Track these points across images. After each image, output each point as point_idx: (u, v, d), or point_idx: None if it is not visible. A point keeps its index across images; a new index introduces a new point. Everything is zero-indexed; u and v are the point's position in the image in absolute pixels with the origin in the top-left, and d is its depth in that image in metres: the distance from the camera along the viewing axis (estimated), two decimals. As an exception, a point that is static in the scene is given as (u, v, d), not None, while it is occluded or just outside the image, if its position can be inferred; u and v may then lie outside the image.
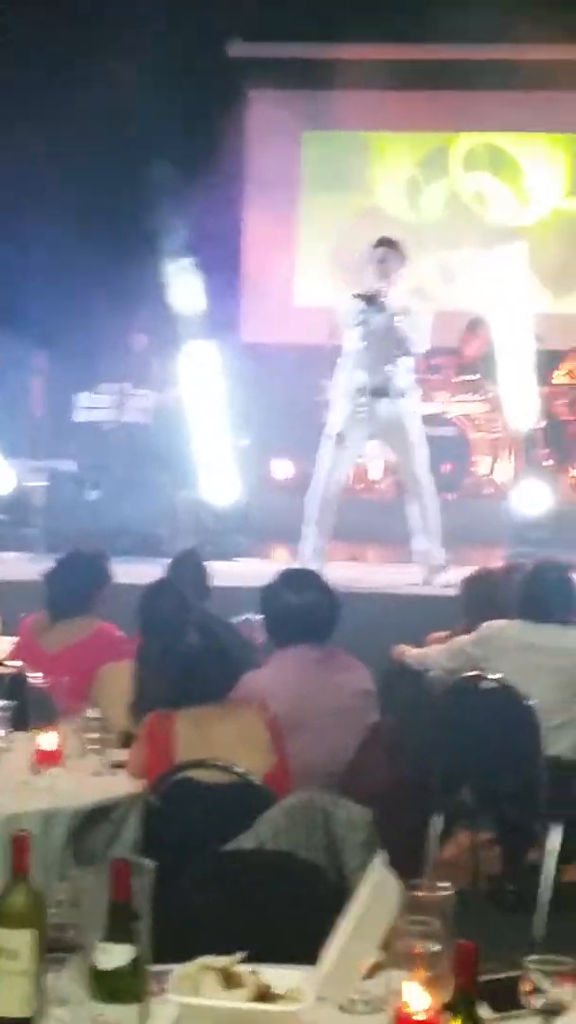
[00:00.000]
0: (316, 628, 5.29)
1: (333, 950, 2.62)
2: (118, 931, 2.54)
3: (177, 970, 2.68)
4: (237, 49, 14.55)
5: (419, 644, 6.79)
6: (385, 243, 9.23)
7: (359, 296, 9.12)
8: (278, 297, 14.62)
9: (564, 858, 6.11)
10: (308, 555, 9.29)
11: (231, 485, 11.09)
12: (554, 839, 6.00)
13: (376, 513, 11.43)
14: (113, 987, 2.53)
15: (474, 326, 12.76)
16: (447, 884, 2.75)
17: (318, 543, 9.38)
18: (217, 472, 11.14)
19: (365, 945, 2.60)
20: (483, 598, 6.69)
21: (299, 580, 5.56)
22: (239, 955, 2.72)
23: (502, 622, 6.15)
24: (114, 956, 2.53)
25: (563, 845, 5.98)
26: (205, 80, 13.39)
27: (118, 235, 13.02)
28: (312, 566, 8.77)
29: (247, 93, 14.81)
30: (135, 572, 8.44)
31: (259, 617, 6.93)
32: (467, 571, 9.52)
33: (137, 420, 11.45)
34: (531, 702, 5.86)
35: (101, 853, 4.38)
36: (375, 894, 2.60)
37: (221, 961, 2.66)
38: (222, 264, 12.82)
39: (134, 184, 12.78)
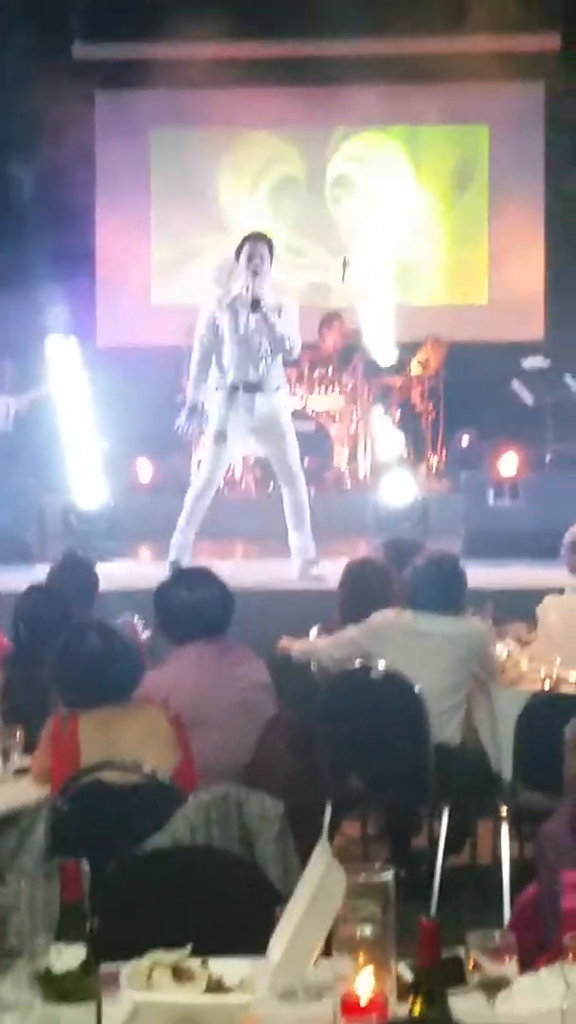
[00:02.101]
0: (212, 624, 5.32)
1: (283, 939, 2.66)
2: (69, 932, 2.56)
3: (128, 967, 2.70)
4: (81, 51, 14.50)
5: (300, 637, 6.85)
6: (254, 238, 9.21)
7: (230, 293, 9.15)
8: (134, 299, 14.59)
9: (451, 844, 6.22)
10: (178, 554, 9.30)
11: (97, 488, 11.07)
12: (443, 824, 6.10)
13: (240, 510, 11.49)
14: (66, 988, 2.54)
15: (330, 320, 12.87)
16: (387, 869, 2.80)
17: (185, 540, 9.40)
18: (83, 476, 11.12)
19: (314, 933, 2.64)
20: (363, 588, 6.76)
21: (192, 577, 5.58)
22: (187, 949, 2.74)
23: (390, 611, 6.23)
24: (67, 957, 2.54)
25: (450, 830, 6.08)
26: (51, 83, 13.29)
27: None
28: (181, 563, 8.86)
29: (94, 94, 14.75)
30: (7, 580, 8.43)
31: (137, 618, 6.99)
32: (335, 564, 9.66)
33: (-2, 427, 11.38)
34: (419, 689, 5.95)
35: (8, 861, 4.38)
36: (322, 882, 2.64)
37: (171, 956, 2.69)
38: (76, 268, 12.79)
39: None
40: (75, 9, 13.90)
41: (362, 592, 6.71)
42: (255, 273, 8.99)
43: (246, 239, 9.23)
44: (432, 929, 2.34)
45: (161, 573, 8.87)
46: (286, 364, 9.66)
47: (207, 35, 13.40)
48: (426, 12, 12.89)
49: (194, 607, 5.33)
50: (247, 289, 9.02)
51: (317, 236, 14.86)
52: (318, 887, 2.66)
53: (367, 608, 6.42)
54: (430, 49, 13.82)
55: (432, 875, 6.04)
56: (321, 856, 2.73)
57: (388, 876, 2.78)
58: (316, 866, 2.71)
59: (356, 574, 6.98)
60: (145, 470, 12.81)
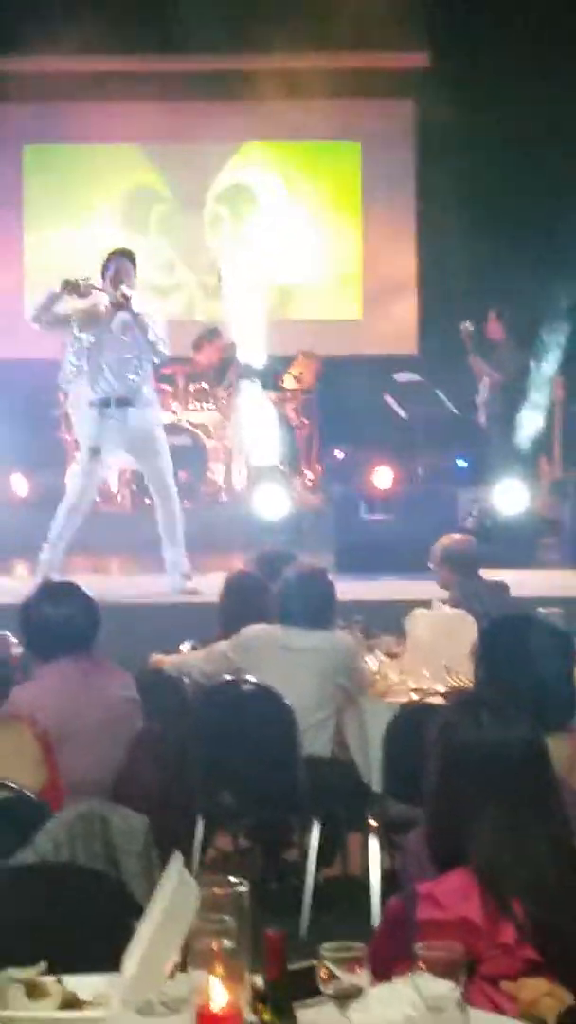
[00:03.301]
0: (78, 639, 5.31)
1: (136, 954, 2.67)
2: None
3: (-18, 985, 2.70)
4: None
5: (172, 652, 6.87)
6: (120, 253, 9.31)
7: (99, 305, 9.18)
8: (6, 312, 14.53)
9: (322, 856, 6.26)
10: (47, 568, 9.27)
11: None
12: (314, 837, 6.14)
13: (115, 525, 11.47)
14: None
15: (209, 336, 12.90)
16: (241, 880, 2.83)
17: (56, 556, 9.38)
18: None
19: (168, 946, 2.66)
20: (242, 601, 6.78)
21: (58, 592, 5.56)
22: (41, 966, 2.75)
23: (260, 626, 6.26)
24: None
25: (321, 843, 6.12)
26: None
27: None
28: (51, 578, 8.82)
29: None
30: None
31: (7, 634, 6.96)
32: (211, 578, 9.69)
33: None
34: (289, 703, 5.99)
35: None
36: (174, 896, 2.66)
37: (24, 972, 2.69)
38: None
39: None
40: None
41: (241, 605, 6.73)
42: (120, 287, 9.05)
43: (111, 255, 9.32)
44: (277, 940, 2.38)
45: (32, 589, 8.87)
46: (158, 379, 9.70)
47: (80, 49, 13.40)
48: (296, 28, 12.97)
49: (59, 622, 5.31)
50: (113, 301, 9.06)
51: (189, 251, 14.89)
52: (171, 900, 2.68)
53: (247, 621, 6.44)
54: (300, 65, 13.91)
55: (303, 888, 6.08)
56: (173, 869, 2.75)
57: (243, 888, 2.81)
58: (169, 879, 2.73)
59: (235, 587, 7.01)
60: (20, 485, 12.75)
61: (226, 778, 6.18)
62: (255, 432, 12.44)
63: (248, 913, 2.80)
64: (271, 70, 13.94)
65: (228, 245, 14.58)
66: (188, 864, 5.65)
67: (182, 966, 2.81)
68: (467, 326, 12.56)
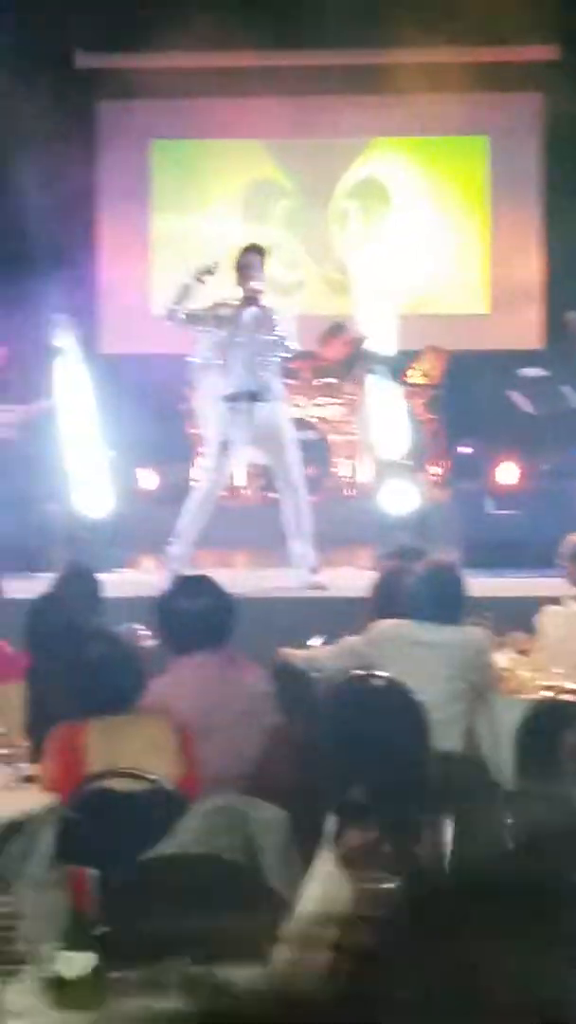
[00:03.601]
0: (213, 633, 5.36)
1: (288, 947, 2.70)
2: (79, 940, 2.61)
3: (138, 974, 2.75)
4: (83, 60, 14.56)
5: (301, 646, 6.89)
6: (250, 248, 9.37)
7: (230, 301, 9.25)
8: (135, 308, 14.63)
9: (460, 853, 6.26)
10: (176, 563, 9.34)
11: (102, 496, 11.12)
12: (446, 833, 6.14)
13: (242, 519, 11.51)
14: (76, 995, 2.60)
15: (336, 330, 12.91)
16: (392, 879, 2.86)
17: (185, 550, 9.45)
18: (87, 484, 11.17)
19: (318, 940, 2.68)
20: (390, 597, 6.76)
21: (193, 586, 5.62)
22: (194, 956, 2.79)
23: (391, 621, 6.27)
24: (76, 964, 2.60)
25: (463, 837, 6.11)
26: (52, 93, 13.37)
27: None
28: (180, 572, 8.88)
29: (95, 104, 14.83)
30: (13, 588, 8.46)
31: (139, 627, 7.03)
32: (336, 572, 9.71)
33: (1, 435, 11.40)
34: (420, 698, 5.99)
35: (15, 868, 4.42)
36: (325, 889, 2.69)
37: (179, 963, 2.73)
38: (78, 276, 12.83)
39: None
40: (77, 19, 13.92)
41: (390, 599, 6.71)
42: (251, 282, 9.10)
43: (242, 251, 9.37)
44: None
45: (161, 582, 8.95)
46: (286, 373, 9.74)
47: (209, 45, 13.47)
48: (425, 23, 12.93)
49: (195, 616, 5.37)
50: (243, 296, 9.12)
51: (314, 246, 14.91)
52: (322, 895, 2.71)
53: (396, 615, 6.42)
54: (428, 59, 13.86)
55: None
56: (325, 865, 2.78)
57: (392, 884, 2.84)
58: (320, 874, 2.76)
59: (394, 580, 6.96)
60: (148, 479, 12.85)
61: (357, 774, 6.19)
62: (381, 427, 12.42)
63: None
64: (400, 65, 13.87)
65: (356, 240, 14.57)
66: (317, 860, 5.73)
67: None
68: (573, 317, 12.47)
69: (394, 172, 15.02)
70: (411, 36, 13.12)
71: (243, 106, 14.44)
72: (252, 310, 9.18)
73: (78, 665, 4.85)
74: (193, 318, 9.31)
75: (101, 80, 14.66)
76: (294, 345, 9.35)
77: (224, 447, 9.30)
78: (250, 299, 9.17)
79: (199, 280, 9.21)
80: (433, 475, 12.96)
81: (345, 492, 12.55)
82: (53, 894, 2.78)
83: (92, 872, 2.75)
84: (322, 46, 13.63)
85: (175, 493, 11.76)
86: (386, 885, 2.84)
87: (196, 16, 13.00)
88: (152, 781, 4.48)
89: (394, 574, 6.98)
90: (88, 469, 11.23)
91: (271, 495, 11.60)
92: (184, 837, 4.02)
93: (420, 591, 6.23)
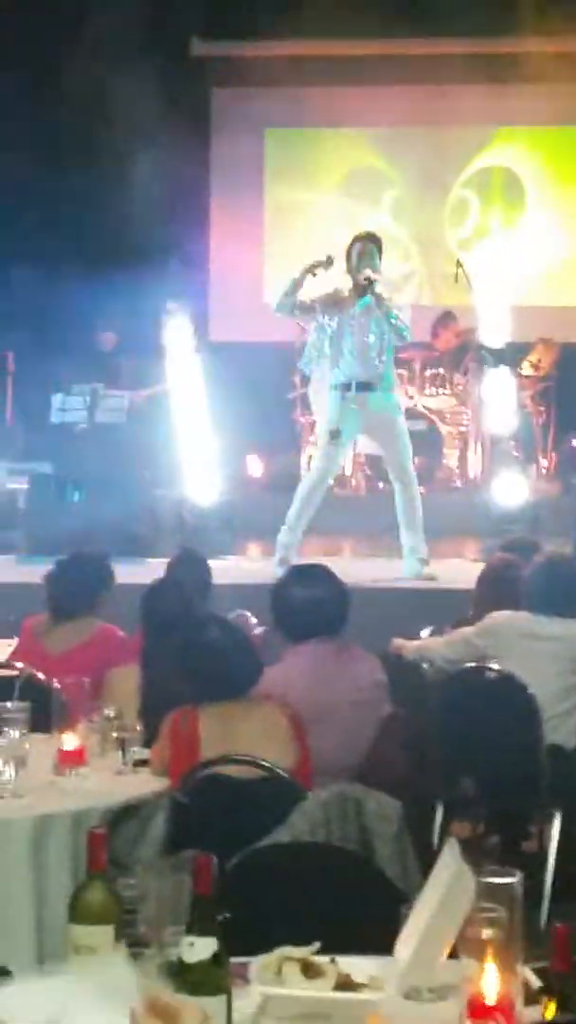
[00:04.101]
0: (328, 622, 5.34)
1: (412, 939, 2.67)
2: (202, 924, 2.58)
3: (258, 961, 2.73)
4: (198, 47, 14.58)
5: (411, 637, 6.85)
6: (364, 238, 9.32)
7: (343, 290, 9.22)
8: (247, 295, 14.66)
9: (564, 848, 6.18)
10: (285, 550, 9.34)
11: (211, 483, 11.14)
12: (555, 828, 6.08)
13: (349, 508, 11.50)
14: (198, 980, 2.57)
15: (445, 319, 12.86)
16: (514, 872, 2.81)
17: (293, 538, 9.44)
18: (196, 471, 11.20)
19: (443, 934, 2.65)
20: (500, 589, 6.72)
21: (309, 575, 5.60)
22: (316, 946, 2.77)
23: (507, 613, 6.22)
24: (199, 949, 2.57)
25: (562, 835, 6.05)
26: (169, 81, 13.39)
27: (85, 234, 13.05)
28: (289, 561, 8.88)
29: (210, 91, 14.85)
30: (121, 572, 8.49)
31: (248, 614, 7.03)
32: (445, 564, 9.65)
33: (111, 420, 11.46)
34: (533, 691, 5.93)
35: (128, 852, 4.42)
36: (451, 883, 2.65)
37: (300, 952, 2.71)
38: (189, 263, 12.88)
39: (100, 185, 12.82)
40: (193, 6, 13.95)
41: (497, 592, 6.67)
42: (365, 271, 9.06)
43: (356, 239, 9.35)
44: (566, 934, 2.36)
45: (269, 569, 8.98)
46: (398, 363, 9.69)
47: (326, 33, 13.44)
48: (547, 11, 12.80)
49: (311, 605, 5.35)
50: (357, 285, 9.08)
51: (427, 236, 14.83)
52: (447, 888, 2.67)
53: (502, 608, 6.38)
54: (552, 48, 13.72)
55: (543, 880, 6.02)
56: (450, 857, 2.74)
57: (516, 879, 2.79)
58: (445, 867, 2.72)
59: (494, 574, 6.92)
60: (256, 466, 12.86)
61: (467, 765, 6.15)
62: (491, 418, 12.35)
63: (520, 904, 2.78)
64: (525, 53, 13.76)
65: (474, 230, 14.47)
66: (430, 852, 5.70)
67: (450, 954, 2.80)
68: None
69: (517, 161, 14.91)
70: (534, 24, 13.00)
71: (359, 95, 14.40)
72: (365, 299, 9.13)
73: (194, 651, 4.84)
74: (305, 308, 9.28)
75: (216, 68, 14.69)
76: (408, 334, 9.30)
77: (334, 436, 9.27)
78: (364, 288, 9.12)
79: (311, 274, 9.18)
80: (542, 467, 12.88)
81: (454, 483, 12.49)
82: (176, 878, 2.76)
83: (214, 857, 2.72)
84: (444, 34, 13.52)
85: (283, 481, 11.78)
86: (502, 880, 2.77)
87: (311, 4, 12.98)
88: (266, 768, 4.46)
89: (499, 567, 6.94)
90: (198, 456, 11.25)
91: (380, 484, 11.60)
92: (299, 825, 3.99)
93: (537, 583, 6.16)
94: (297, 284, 9.25)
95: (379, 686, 5.35)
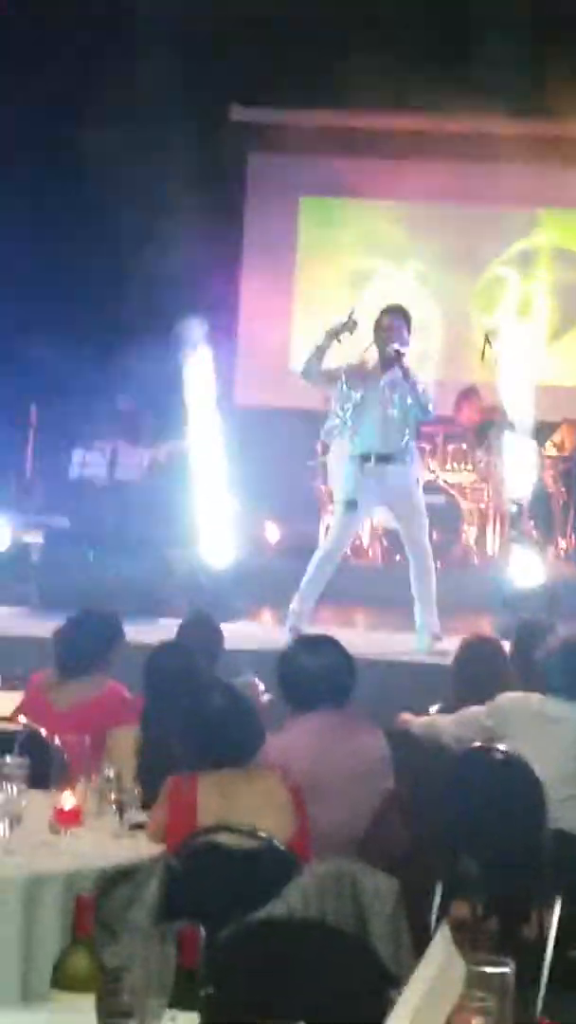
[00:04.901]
0: (334, 692, 5.30)
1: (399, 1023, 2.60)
2: (185, 998, 2.54)
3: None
4: (238, 113, 14.67)
5: (419, 712, 6.79)
6: (394, 310, 9.33)
7: (368, 362, 9.22)
8: (273, 361, 14.68)
9: (564, 935, 6.09)
10: (296, 618, 9.30)
11: (227, 546, 11.11)
12: (555, 913, 5.99)
13: (364, 579, 11.44)
14: (178, 1055, 2.53)
15: (469, 395, 12.85)
16: (507, 961, 2.74)
17: (306, 607, 9.40)
18: (213, 532, 11.17)
19: (431, 1020, 2.59)
20: (481, 667, 6.71)
21: (316, 644, 5.57)
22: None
23: (519, 694, 6.16)
24: (181, 1023, 2.52)
25: (570, 921, 5.96)
26: (206, 144, 13.49)
27: (119, 294, 13.09)
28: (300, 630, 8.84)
29: (247, 157, 14.93)
30: (132, 631, 8.46)
31: (257, 680, 6.98)
32: (458, 640, 9.58)
33: (130, 478, 11.46)
34: (540, 774, 5.86)
35: (120, 916, 4.36)
36: (441, 969, 2.59)
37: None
38: (218, 327, 12.89)
39: (134, 246, 12.87)
40: (234, 71, 14.04)
41: (477, 669, 6.66)
42: (392, 344, 9.06)
43: (384, 311, 9.35)
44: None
45: (280, 636, 8.94)
46: (419, 436, 9.67)
47: (364, 105, 13.51)
48: (572, 95, 12.85)
49: (317, 674, 5.31)
50: (384, 358, 9.08)
51: (455, 312, 14.85)
52: (437, 974, 2.61)
53: (481, 686, 6.37)
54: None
55: (540, 967, 5.92)
56: (441, 942, 2.68)
57: (508, 968, 2.73)
58: (435, 952, 2.66)
59: (472, 651, 6.93)
60: (273, 532, 12.83)
61: (469, 846, 6.07)
62: (512, 497, 12.31)
63: (512, 994, 2.71)
64: (548, 136, 13.84)
65: (507, 309, 14.48)
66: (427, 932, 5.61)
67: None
68: None
69: (555, 243, 14.92)
70: (557, 107, 13.05)
71: (390, 168, 14.45)
72: (391, 372, 9.13)
73: (197, 716, 4.79)
74: (330, 376, 9.27)
75: (255, 134, 14.77)
76: (433, 409, 9.29)
77: (351, 506, 9.25)
78: (390, 361, 9.12)
79: (336, 339, 9.18)
80: (560, 549, 12.81)
81: (471, 560, 12.43)
82: (162, 948, 2.70)
83: (201, 929, 2.67)
84: (481, 112, 13.55)
85: (297, 547, 11.75)
86: (494, 969, 2.71)
87: (351, 76, 13.05)
88: (263, 839, 4.40)
89: (474, 646, 6.92)
90: (215, 517, 11.24)
91: (397, 556, 11.55)
92: (293, 900, 3.93)
93: (551, 665, 6.11)
94: (321, 350, 9.24)
95: (383, 760, 5.29)
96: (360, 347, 9.40)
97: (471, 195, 14.60)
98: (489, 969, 2.72)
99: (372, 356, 9.31)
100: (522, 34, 12.17)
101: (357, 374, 9.25)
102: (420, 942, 4.30)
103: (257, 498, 12.33)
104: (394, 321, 9.22)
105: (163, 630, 7.82)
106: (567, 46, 12.58)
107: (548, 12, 12.46)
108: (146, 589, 10.29)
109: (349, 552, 12.08)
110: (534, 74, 12.70)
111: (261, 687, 6.91)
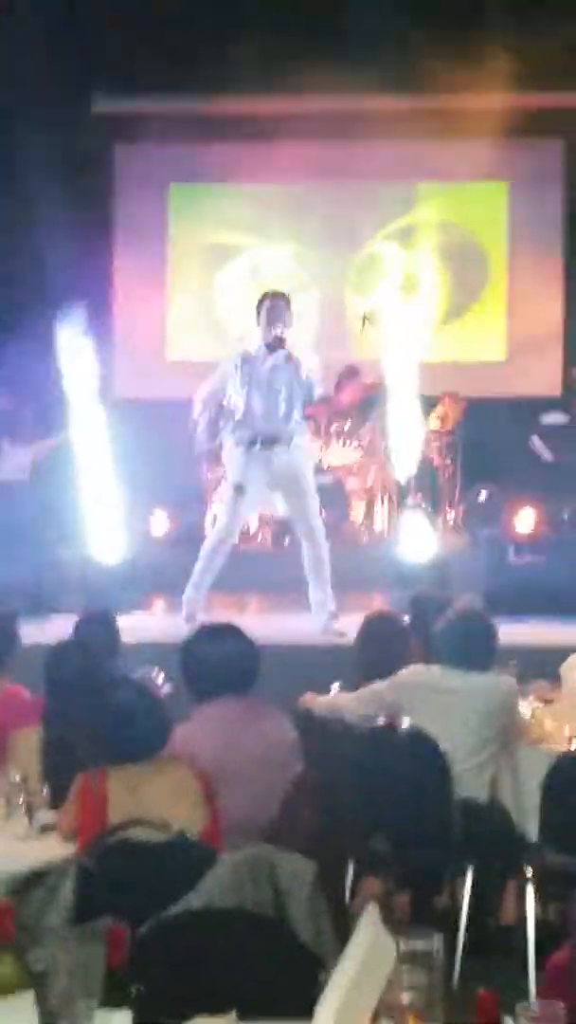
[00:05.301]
0: (238, 680, 5.29)
1: (331, 1004, 2.60)
2: (115, 997, 2.52)
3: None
4: (101, 103, 14.55)
5: (321, 692, 6.80)
6: (274, 295, 9.32)
7: (250, 348, 9.21)
8: (151, 351, 14.63)
9: (478, 904, 6.13)
10: (191, 606, 9.28)
11: (115, 540, 11.05)
12: (467, 884, 6.03)
13: (254, 564, 11.44)
14: (111, 1054, 2.50)
15: (349, 374, 12.88)
16: (433, 935, 2.76)
17: (200, 594, 9.38)
18: (100, 527, 11.10)
19: (365, 999, 2.59)
20: (383, 643, 6.73)
21: (219, 632, 5.55)
22: (231, 1013, 2.70)
23: (418, 667, 6.19)
24: (113, 1022, 2.50)
25: (482, 889, 6.00)
26: (70, 136, 13.36)
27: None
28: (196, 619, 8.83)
29: (113, 147, 14.82)
30: (25, 632, 8.37)
31: (154, 672, 6.94)
32: (355, 618, 9.60)
33: (15, 477, 11.34)
34: (444, 747, 5.89)
35: (35, 920, 4.32)
36: (371, 948, 2.59)
37: (217, 1020, 2.63)
38: (93, 319, 12.79)
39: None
40: (96, 62, 13.93)
41: (382, 646, 6.68)
42: (274, 329, 9.06)
43: (264, 296, 9.34)
44: (491, 1000, 2.30)
45: (175, 626, 8.91)
46: (306, 417, 9.67)
47: (230, 89, 13.47)
48: (446, 69, 12.90)
49: (220, 663, 5.30)
50: (268, 340, 9.07)
51: (338, 290, 14.87)
52: (367, 953, 2.61)
53: (387, 662, 6.39)
54: (450, 106, 13.85)
55: (456, 937, 5.96)
56: (370, 922, 2.68)
57: (436, 943, 2.74)
58: (365, 932, 2.66)
59: (375, 628, 6.95)
60: (160, 522, 12.78)
61: (378, 822, 6.09)
62: (397, 472, 12.36)
63: (441, 968, 2.72)
64: (419, 110, 13.87)
65: (377, 286, 14.52)
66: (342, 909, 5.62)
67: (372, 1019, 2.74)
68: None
69: (416, 218, 14.98)
70: (430, 82, 13.10)
71: (260, 151, 14.43)
72: (275, 356, 9.13)
73: (100, 712, 4.75)
74: (214, 396, 9.28)
75: (119, 124, 14.65)
76: (318, 391, 9.30)
77: (239, 491, 9.23)
78: (273, 345, 9.12)
79: (208, 412, 9.26)
80: (448, 520, 12.90)
81: (361, 537, 12.47)
82: (88, 949, 2.67)
83: (127, 927, 2.64)
84: (341, 91, 13.55)
85: (188, 536, 11.72)
86: (423, 945, 2.72)
87: (214, 60, 13.01)
88: (176, 832, 4.37)
89: (381, 623, 6.95)
90: (102, 512, 11.16)
91: (285, 540, 11.56)
92: (211, 890, 3.91)
93: (449, 638, 6.14)
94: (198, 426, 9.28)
95: (290, 744, 5.30)
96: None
97: (346, 173, 14.61)
98: (416, 945, 2.74)
99: (254, 341, 9.29)
100: (388, 8, 12.18)
101: (241, 360, 9.23)
102: (337, 922, 4.32)
103: (144, 491, 12.27)
104: (274, 305, 9.21)
105: (56, 628, 7.77)
106: (436, 18, 12.61)
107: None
108: (37, 588, 10.21)
109: (238, 538, 12.08)
110: (404, 48, 12.72)
111: (159, 679, 6.87)
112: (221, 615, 9.56)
